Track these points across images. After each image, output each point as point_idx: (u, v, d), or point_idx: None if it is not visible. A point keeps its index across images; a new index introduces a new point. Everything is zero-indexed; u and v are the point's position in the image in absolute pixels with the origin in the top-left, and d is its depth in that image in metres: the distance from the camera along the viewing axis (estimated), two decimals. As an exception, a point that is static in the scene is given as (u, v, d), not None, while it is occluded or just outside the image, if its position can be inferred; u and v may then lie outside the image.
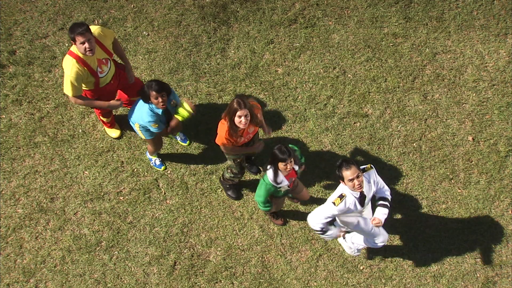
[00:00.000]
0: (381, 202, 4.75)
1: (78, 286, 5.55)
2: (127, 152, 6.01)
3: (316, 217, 4.67)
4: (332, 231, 4.84)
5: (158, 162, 5.91)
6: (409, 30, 6.51)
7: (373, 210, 4.90)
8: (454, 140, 6.09)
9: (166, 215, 5.79)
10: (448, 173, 5.95)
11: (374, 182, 4.66)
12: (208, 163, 5.97)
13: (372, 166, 4.68)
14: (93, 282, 5.56)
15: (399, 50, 6.43)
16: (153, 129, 5.07)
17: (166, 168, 5.93)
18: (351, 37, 6.49)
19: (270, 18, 6.53)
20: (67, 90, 4.94)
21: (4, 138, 6.03)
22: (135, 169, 5.94)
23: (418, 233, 5.76)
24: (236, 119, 4.66)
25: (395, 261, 5.66)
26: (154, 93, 4.76)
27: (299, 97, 6.21)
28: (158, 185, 5.90)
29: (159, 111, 4.97)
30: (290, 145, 4.83)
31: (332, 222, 4.84)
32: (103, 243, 5.69)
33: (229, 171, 5.48)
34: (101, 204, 5.82)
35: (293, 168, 4.74)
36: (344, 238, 5.57)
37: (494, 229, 5.80)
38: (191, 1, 6.59)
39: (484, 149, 6.05)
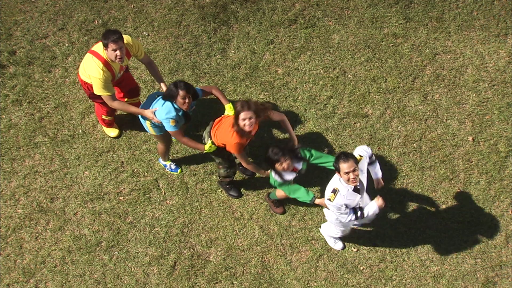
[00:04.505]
0: (370, 161, 4.85)
1: (78, 286, 5.55)
2: (127, 153, 6.01)
3: (332, 218, 4.76)
4: (365, 210, 4.79)
5: (173, 166, 5.90)
6: (409, 30, 6.51)
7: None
8: (454, 140, 6.09)
9: (166, 215, 5.79)
10: (448, 174, 5.95)
11: (364, 167, 4.73)
12: (208, 163, 5.97)
13: (362, 155, 4.73)
14: (93, 283, 5.56)
15: (399, 50, 6.43)
16: (169, 126, 4.97)
17: (182, 171, 5.92)
18: (351, 37, 6.49)
19: (270, 19, 6.53)
20: (101, 91, 4.97)
21: (4, 138, 6.03)
22: (135, 170, 5.94)
23: (418, 233, 5.76)
24: (240, 122, 4.63)
25: (395, 261, 5.66)
26: (183, 93, 4.75)
27: (299, 98, 6.21)
28: (158, 185, 5.90)
29: (180, 113, 4.96)
30: (302, 148, 4.87)
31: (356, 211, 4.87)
32: (103, 243, 5.69)
33: (220, 167, 5.44)
34: (101, 204, 5.81)
35: (294, 166, 4.76)
36: (320, 227, 5.65)
37: (494, 229, 5.80)
38: (191, 1, 6.60)
39: (484, 149, 6.05)
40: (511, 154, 6.04)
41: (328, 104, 6.20)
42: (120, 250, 5.66)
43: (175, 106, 4.91)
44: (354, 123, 6.14)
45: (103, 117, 5.76)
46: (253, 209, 5.83)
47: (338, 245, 5.67)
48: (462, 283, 5.61)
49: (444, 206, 5.86)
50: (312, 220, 5.79)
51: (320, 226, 5.70)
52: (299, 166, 4.85)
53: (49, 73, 6.30)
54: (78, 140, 6.05)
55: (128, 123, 6.06)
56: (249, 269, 5.62)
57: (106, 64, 4.89)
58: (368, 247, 5.71)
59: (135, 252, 5.66)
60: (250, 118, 4.60)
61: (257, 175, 5.89)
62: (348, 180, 4.44)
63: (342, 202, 4.59)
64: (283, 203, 5.76)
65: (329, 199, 4.60)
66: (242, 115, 4.59)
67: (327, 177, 5.89)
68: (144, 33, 6.45)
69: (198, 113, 6.04)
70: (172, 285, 5.55)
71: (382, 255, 5.68)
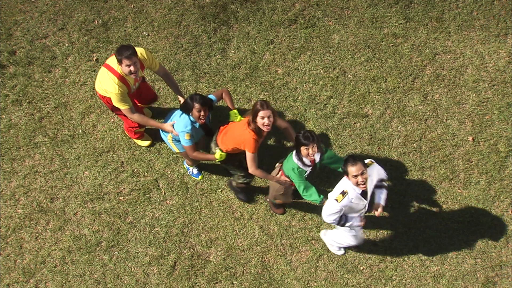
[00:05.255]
0: (378, 183, 4.81)
1: (78, 287, 5.55)
2: (127, 153, 6.01)
3: (326, 215, 4.71)
4: (351, 222, 4.81)
5: (195, 171, 5.89)
6: (409, 30, 6.51)
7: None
8: (454, 140, 6.09)
9: (166, 215, 5.79)
10: (448, 174, 5.96)
11: (376, 175, 4.71)
12: (208, 163, 5.97)
13: (373, 161, 4.73)
14: (93, 283, 5.56)
15: (399, 50, 6.43)
16: (183, 139, 5.01)
17: (203, 177, 5.91)
18: (351, 37, 6.49)
19: (270, 19, 6.53)
20: (119, 104, 5.02)
21: (4, 138, 6.03)
22: (135, 170, 5.94)
23: (418, 233, 5.76)
24: (259, 120, 4.69)
25: (395, 261, 5.66)
26: (198, 105, 4.79)
27: (299, 98, 6.21)
28: (158, 185, 5.90)
29: (197, 125, 4.99)
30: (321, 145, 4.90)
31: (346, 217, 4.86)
32: (103, 243, 5.69)
33: (236, 177, 5.45)
34: (101, 204, 5.81)
35: (314, 158, 4.78)
36: (325, 234, 5.61)
37: (494, 229, 5.80)
38: (191, 1, 6.59)
39: (484, 149, 6.05)
40: (511, 154, 6.04)
41: (328, 104, 6.20)
42: (120, 250, 5.66)
43: (192, 119, 4.95)
44: (354, 123, 6.14)
45: (136, 130, 5.74)
46: (253, 209, 5.83)
47: (341, 251, 5.66)
48: (462, 283, 5.61)
49: (444, 206, 5.86)
50: (312, 220, 5.79)
51: (322, 231, 5.68)
52: (318, 158, 4.86)
53: (49, 73, 6.30)
54: (78, 140, 6.05)
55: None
56: (249, 269, 5.62)
57: (121, 78, 4.95)
58: (368, 247, 5.71)
59: (135, 252, 5.66)
60: (269, 117, 4.68)
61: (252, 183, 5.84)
62: (357, 183, 4.43)
63: (346, 205, 4.58)
64: (284, 204, 5.76)
65: (336, 200, 4.57)
66: (261, 113, 4.67)
67: (328, 178, 5.90)
68: (144, 33, 6.45)
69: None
70: (172, 285, 5.55)
71: (382, 255, 5.68)
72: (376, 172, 4.75)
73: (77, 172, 5.92)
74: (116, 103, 5.03)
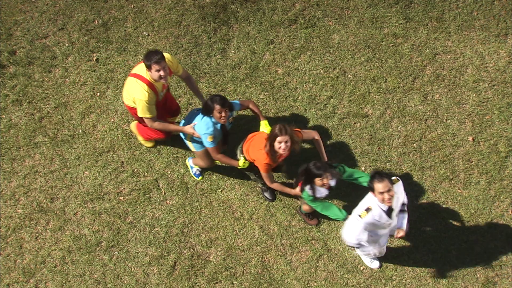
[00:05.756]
0: (400, 207, 4.71)
1: (78, 286, 5.55)
2: (127, 153, 6.01)
3: (348, 232, 4.63)
4: (369, 248, 4.75)
5: (198, 171, 5.88)
6: (409, 30, 6.51)
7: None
8: (454, 140, 6.09)
9: (166, 215, 5.79)
10: (448, 174, 5.95)
11: (401, 194, 4.62)
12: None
13: (399, 178, 4.65)
14: (93, 282, 5.56)
15: (399, 50, 6.43)
16: (207, 142, 5.04)
17: (203, 178, 5.91)
18: (351, 37, 6.49)
19: (270, 19, 6.53)
20: (144, 113, 5.02)
21: (4, 138, 6.03)
22: (135, 170, 5.94)
23: (418, 233, 5.76)
24: (276, 145, 4.68)
25: (395, 261, 5.66)
26: (218, 107, 4.81)
27: (299, 98, 6.21)
28: (158, 185, 5.90)
29: (218, 126, 5.01)
30: (335, 164, 4.84)
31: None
32: (103, 243, 5.69)
33: (257, 183, 5.52)
34: (101, 204, 5.81)
35: (329, 184, 4.70)
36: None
37: (494, 229, 5.80)
38: (191, 1, 6.60)
39: (484, 149, 6.05)
40: (511, 154, 6.04)
41: (328, 104, 6.20)
42: (120, 250, 5.66)
43: (213, 120, 4.97)
44: (354, 123, 6.14)
45: (157, 139, 5.75)
46: (253, 209, 5.83)
47: (375, 264, 5.58)
48: (462, 283, 5.61)
49: (444, 206, 5.86)
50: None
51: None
52: (333, 183, 4.77)
53: (49, 73, 6.30)
54: (78, 140, 6.05)
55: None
56: (249, 269, 5.62)
57: (150, 85, 4.94)
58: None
59: (135, 252, 5.66)
60: (286, 142, 4.67)
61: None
62: (383, 200, 4.36)
63: (370, 222, 4.51)
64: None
65: (360, 216, 4.50)
66: (279, 139, 4.66)
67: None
68: (144, 33, 6.45)
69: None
70: (172, 285, 5.55)
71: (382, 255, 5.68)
72: (401, 192, 4.66)
73: (77, 172, 5.92)
74: (142, 111, 5.01)
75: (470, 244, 5.74)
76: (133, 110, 5.20)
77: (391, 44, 6.46)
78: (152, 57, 4.76)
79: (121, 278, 5.58)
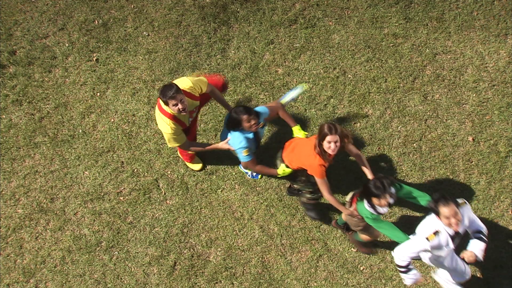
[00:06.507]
0: (476, 234, 4.53)
1: (78, 287, 5.55)
2: (127, 153, 6.01)
3: (405, 251, 4.43)
4: (415, 273, 4.55)
5: (255, 173, 5.85)
6: (409, 30, 6.51)
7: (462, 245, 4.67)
8: (454, 140, 6.09)
9: (166, 215, 5.79)
10: (448, 174, 5.95)
11: (467, 218, 4.46)
12: (208, 163, 5.97)
13: (466, 201, 4.52)
14: (93, 283, 5.56)
15: (399, 50, 6.43)
16: (243, 156, 4.98)
17: (261, 177, 5.87)
18: (351, 37, 6.49)
19: (270, 19, 6.54)
20: (172, 144, 4.98)
21: (4, 138, 6.03)
22: (135, 170, 5.94)
23: (418, 234, 5.76)
24: (325, 144, 4.55)
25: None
26: (245, 116, 4.74)
27: (299, 98, 6.21)
28: (158, 186, 5.90)
29: (250, 135, 4.94)
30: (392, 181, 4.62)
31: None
32: (103, 244, 5.69)
33: (304, 193, 5.32)
34: (101, 204, 5.82)
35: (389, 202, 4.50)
36: (435, 273, 5.38)
37: (494, 229, 5.79)
38: (191, 1, 6.60)
39: (484, 149, 6.05)
40: (511, 154, 6.04)
41: (328, 104, 6.20)
42: (120, 250, 5.66)
43: (243, 132, 4.90)
44: (354, 123, 6.14)
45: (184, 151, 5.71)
46: (253, 209, 5.83)
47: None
48: (462, 283, 5.61)
49: (444, 206, 5.86)
50: (312, 220, 5.79)
51: (432, 272, 5.45)
52: (392, 201, 4.56)
53: (49, 73, 6.30)
54: (78, 140, 6.05)
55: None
56: (249, 269, 5.62)
57: (174, 118, 4.82)
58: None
59: (135, 252, 5.66)
60: (336, 142, 4.53)
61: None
62: (449, 225, 4.22)
63: (435, 246, 4.37)
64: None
65: (427, 238, 4.32)
66: (328, 138, 4.51)
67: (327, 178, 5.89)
68: (144, 33, 6.45)
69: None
70: (172, 285, 5.55)
71: (382, 255, 5.68)
72: (467, 215, 4.48)
73: (77, 172, 5.92)
74: (169, 143, 4.97)
75: (470, 244, 5.74)
76: None
77: (391, 44, 6.46)
78: (166, 93, 4.56)
79: (121, 278, 5.58)
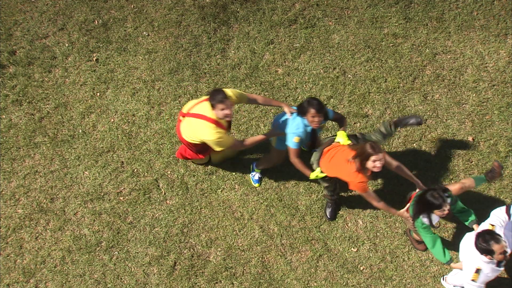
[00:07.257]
0: None
1: (78, 287, 5.55)
2: (127, 153, 6.01)
3: (455, 283, 4.64)
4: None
5: (257, 177, 5.87)
6: (409, 30, 6.51)
7: None
8: (454, 140, 6.09)
9: (166, 215, 5.79)
10: (448, 174, 5.95)
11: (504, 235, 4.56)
12: (208, 163, 5.97)
13: (494, 224, 4.60)
14: (93, 283, 5.56)
15: (399, 50, 6.43)
16: (291, 142, 4.97)
17: (260, 185, 5.89)
18: (351, 37, 6.49)
19: (270, 19, 6.54)
20: (223, 146, 4.97)
21: (4, 138, 6.03)
22: (135, 170, 5.94)
23: (418, 234, 5.76)
24: (370, 164, 4.59)
25: (395, 261, 5.66)
26: (313, 111, 4.74)
27: (299, 98, 6.21)
28: (158, 186, 5.90)
29: (309, 129, 4.95)
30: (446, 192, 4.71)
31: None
32: (103, 244, 5.69)
33: (325, 188, 5.48)
34: (101, 204, 5.82)
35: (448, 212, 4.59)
36: (445, 280, 5.46)
37: (494, 229, 5.80)
38: (191, 1, 6.60)
39: (484, 149, 6.05)
40: (511, 154, 6.04)
41: (328, 104, 6.20)
42: (120, 250, 5.66)
43: (305, 122, 4.91)
44: (354, 123, 6.14)
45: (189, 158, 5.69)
46: (253, 209, 5.83)
47: None
48: (462, 283, 5.61)
49: (444, 206, 5.86)
50: (312, 220, 5.79)
51: (442, 279, 5.50)
52: (448, 211, 4.67)
53: (49, 73, 6.30)
54: (78, 140, 6.05)
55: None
56: (249, 269, 5.62)
57: (217, 123, 4.88)
58: (368, 247, 5.71)
59: (135, 252, 5.66)
60: (380, 160, 4.58)
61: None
62: (499, 259, 4.33)
63: (485, 280, 4.47)
64: None
65: (473, 280, 4.44)
66: (373, 157, 4.55)
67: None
68: (144, 33, 6.45)
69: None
70: (172, 285, 5.55)
71: (382, 255, 5.68)
72: (497, 224, 4.59)
73: (77, 172, 5.92)
74: (220, 147, 4.98)
75: (470, 244, 5.74)
76: (191, 144, 5.15)
77: (391, 44, 6.46)
78: (216, 97, 4.70)
79: (121, 278, 5.58)
